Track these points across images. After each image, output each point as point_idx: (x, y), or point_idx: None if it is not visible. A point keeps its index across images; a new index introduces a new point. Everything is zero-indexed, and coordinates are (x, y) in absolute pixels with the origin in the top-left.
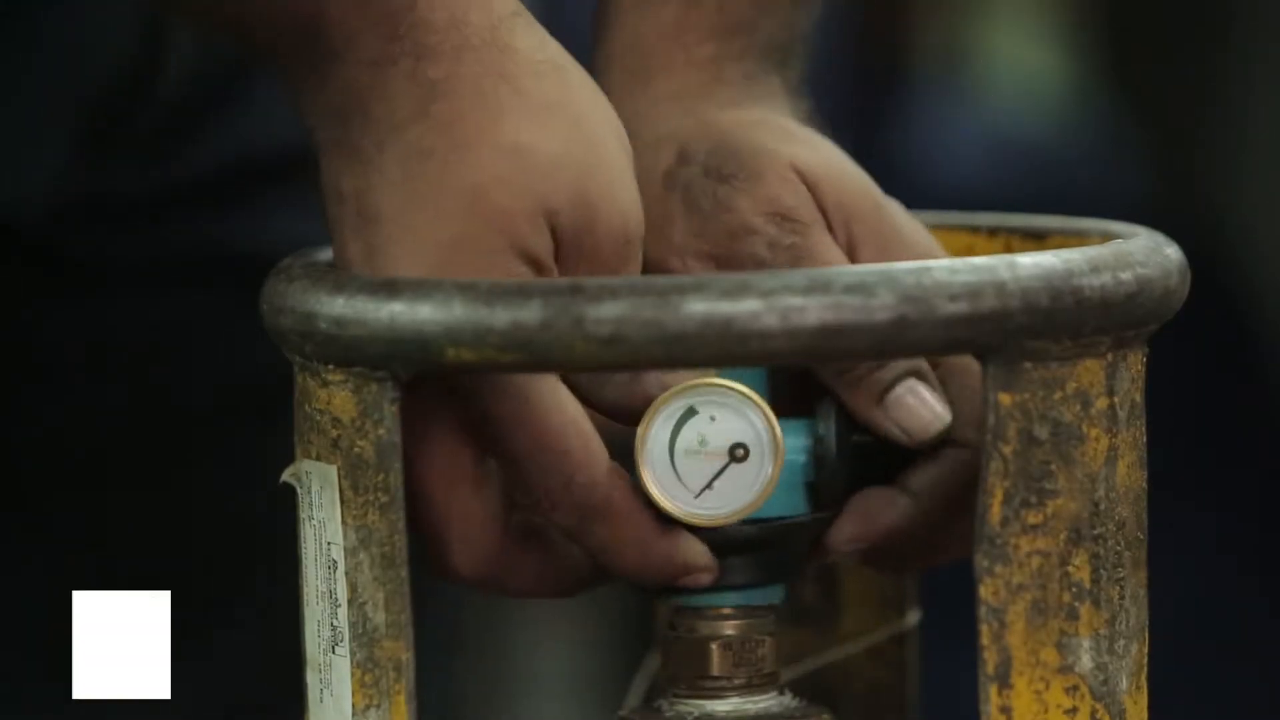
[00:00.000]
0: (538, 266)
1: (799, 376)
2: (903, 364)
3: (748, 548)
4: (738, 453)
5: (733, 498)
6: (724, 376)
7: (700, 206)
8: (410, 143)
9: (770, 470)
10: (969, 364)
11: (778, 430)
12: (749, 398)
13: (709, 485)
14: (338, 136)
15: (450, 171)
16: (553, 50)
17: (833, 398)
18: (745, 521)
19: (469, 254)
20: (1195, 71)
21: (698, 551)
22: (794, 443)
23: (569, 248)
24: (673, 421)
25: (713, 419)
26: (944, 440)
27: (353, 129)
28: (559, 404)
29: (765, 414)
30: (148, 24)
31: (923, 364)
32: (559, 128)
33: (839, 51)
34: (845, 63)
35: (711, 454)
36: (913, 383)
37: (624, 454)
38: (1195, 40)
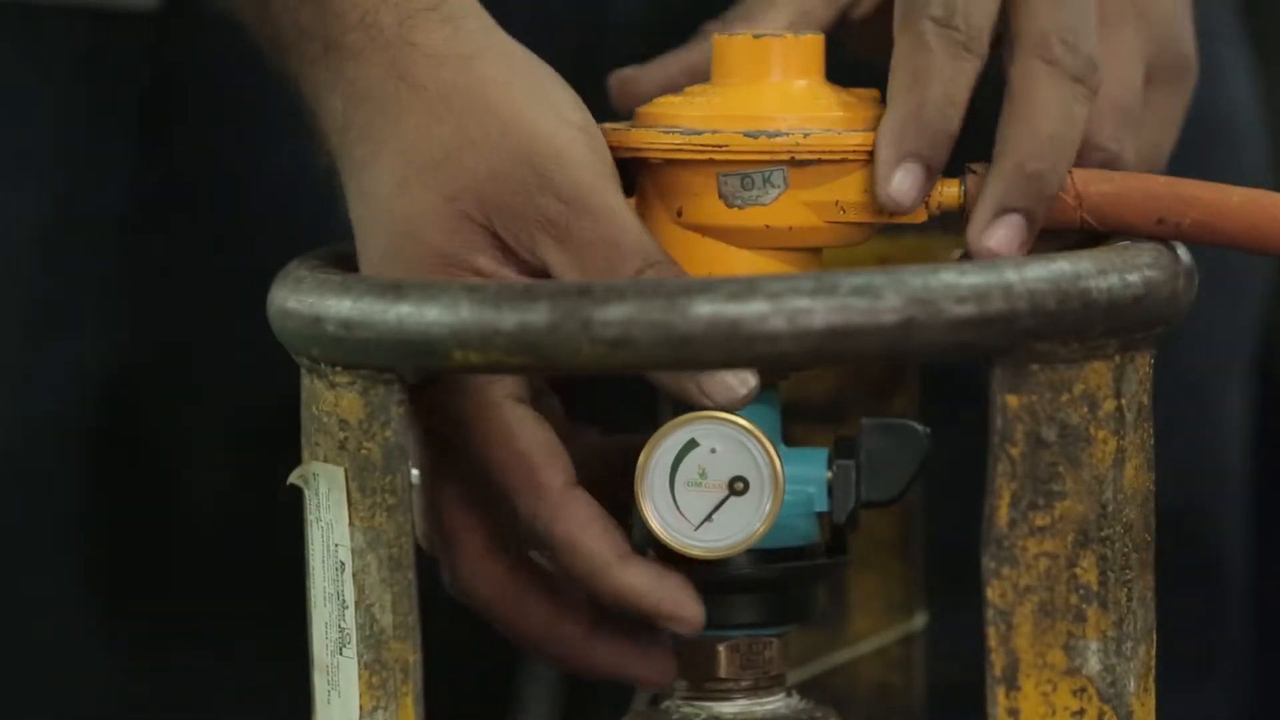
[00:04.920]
0: (473, 254)
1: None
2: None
3: (751, 584)
4: (737, 486)
5: (732, 531)
6: (739, 411)
7: None
8: (345, 151)
9: (770, 504)
10: None
11: (778, 464)
12: (750, 431)
13: (708, 518)
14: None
15: (368, 181)
16: (464, 40)
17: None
18: (750, 554)
19: (398, 264)
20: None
21: (668, 591)
22: (804, 473)
23: (512, 214)
24: (673, 453)
25: (713, 451)
26: None
27: (319, 125)
28: (505, 435)
29: (766, 447)
30: None
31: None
32: (452, 115)
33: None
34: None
35: (711, 486)
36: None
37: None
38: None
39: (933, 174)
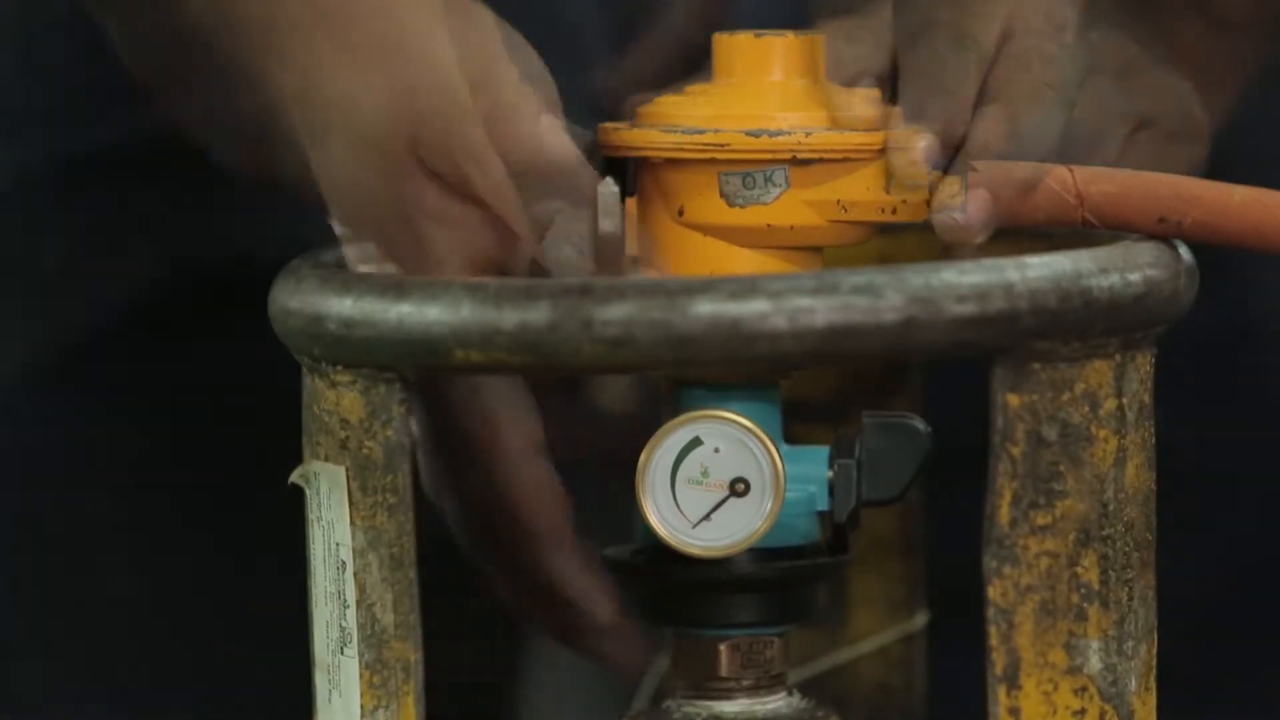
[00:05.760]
0: (415, 192)
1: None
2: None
3: (752, 583)
4: (738, 487)
5: (733, 530)
6: (736, 408)
7: None
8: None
9: (771, 504)
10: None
11: (780, 465)
12: (754, 432)
13: (707, 517)
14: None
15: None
16: None
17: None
18: (751, 553)
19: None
20: None
21: (587, 585)
22: (805, 471)
23: (449, 156)
24: (676, 450)
25: (717, 450)
26: None
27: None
28: (469, 395)
29: (769, 449)
30: None
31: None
32: (381, 64)
33: None
34: None
35: (713, 485)
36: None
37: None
38: None
39: (946, 147)
